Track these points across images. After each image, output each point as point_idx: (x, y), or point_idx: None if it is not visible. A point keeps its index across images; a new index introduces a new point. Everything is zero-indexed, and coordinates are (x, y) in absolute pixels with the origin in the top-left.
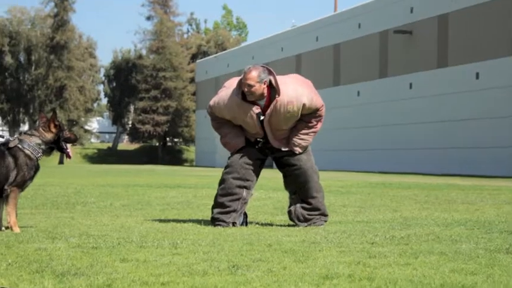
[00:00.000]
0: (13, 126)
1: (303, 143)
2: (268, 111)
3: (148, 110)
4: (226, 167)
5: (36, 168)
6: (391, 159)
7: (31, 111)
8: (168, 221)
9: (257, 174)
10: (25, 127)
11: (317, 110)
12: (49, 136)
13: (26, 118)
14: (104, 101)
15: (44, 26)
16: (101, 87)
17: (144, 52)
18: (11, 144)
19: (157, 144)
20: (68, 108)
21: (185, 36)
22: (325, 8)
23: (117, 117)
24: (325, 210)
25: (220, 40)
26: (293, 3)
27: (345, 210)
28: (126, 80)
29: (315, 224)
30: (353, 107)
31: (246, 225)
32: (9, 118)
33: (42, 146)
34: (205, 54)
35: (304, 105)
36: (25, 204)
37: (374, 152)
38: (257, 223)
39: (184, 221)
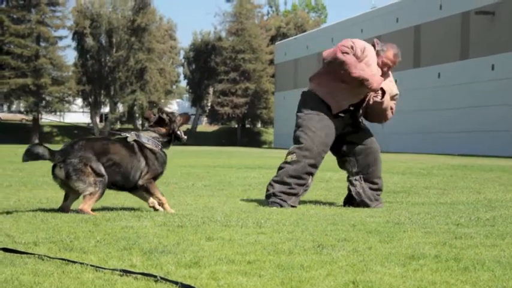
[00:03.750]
0: (94, 108)
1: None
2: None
3: (227, 92)
4: (303, 149)
5: (163, 159)
6: (472, 142)
7: (112, 93)
8: (251, 201)
9: None
10: (106, 109)
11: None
12: (163, 130)
13: (107, 100)
14: (184, 83)
15: (125, 9)
16: (180, 70)
17: (223, 34)
18: (129, 139)
19: (236, 126)
20: (149, 90)
21: (265, 18)
22: None
23: (197, 99)
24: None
25: (300, 22)
26: None
27: (427, 192)
28: (205, 62)
29: (379, 206)
30: (433, 89)
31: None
32: (90, 100)
33: (160, 139)
34: (284, 36)
35: (395, 95)
36: None
37: (454, 135)
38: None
39: None
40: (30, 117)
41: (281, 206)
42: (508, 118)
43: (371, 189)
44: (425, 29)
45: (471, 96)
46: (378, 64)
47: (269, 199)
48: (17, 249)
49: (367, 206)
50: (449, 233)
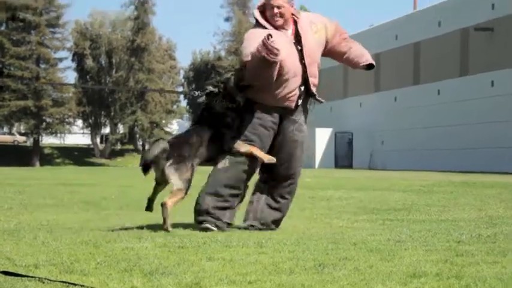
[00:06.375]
0: (95, 129)
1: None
2: (302, 37)
3: None
4: (237, 155)
5: None
6: (473, 158)
7: (112, 113)
8: None
9: None
10: (106, 130)
11: (337, 24)
12: None
13: (107, 121)
14: (184, 102)
15: (125, 29)
16: (180, 89)
17: (223, 53)
18: None
19: None
20: (149, 111)
21: None
22: (404, 6)
23: None
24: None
25: None
26: (371, 1)
27: (428, 209)
28: (205, 82)
29: (269, 228)
30: (433, 106)
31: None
32: (91, 121)
33: None
34: None
35: (325, 23)
36: (110, 205)
37: (455, 152)
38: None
39: None
40: (23, 138)
41: (211, 230)
42: (509, 135)
43: (269, 207)
44: (425, 46)
45: (471, 113)
46: (274, 15)
47: (200, 215)
48: (17, 272)
49: None
50: (451, 251)
